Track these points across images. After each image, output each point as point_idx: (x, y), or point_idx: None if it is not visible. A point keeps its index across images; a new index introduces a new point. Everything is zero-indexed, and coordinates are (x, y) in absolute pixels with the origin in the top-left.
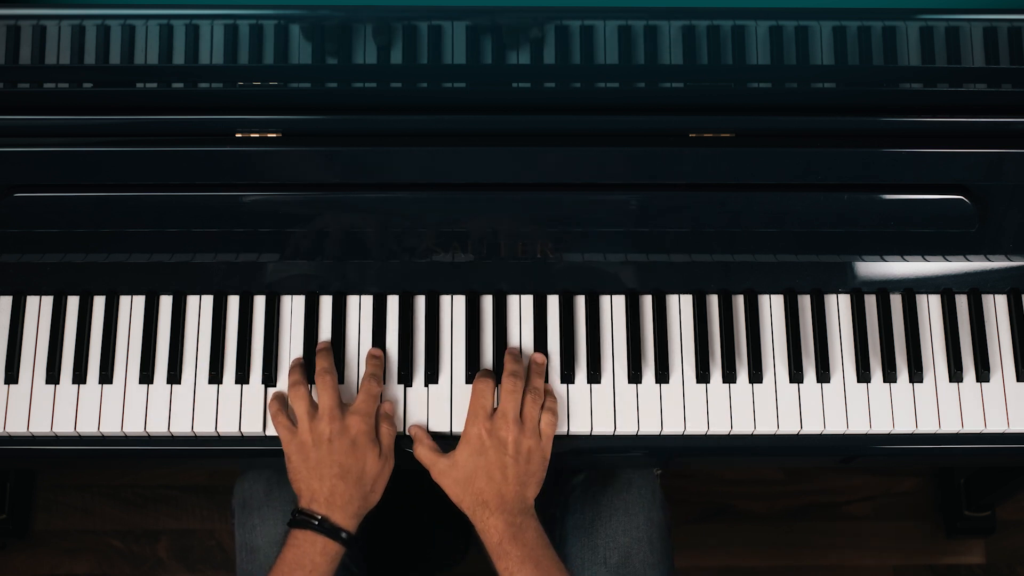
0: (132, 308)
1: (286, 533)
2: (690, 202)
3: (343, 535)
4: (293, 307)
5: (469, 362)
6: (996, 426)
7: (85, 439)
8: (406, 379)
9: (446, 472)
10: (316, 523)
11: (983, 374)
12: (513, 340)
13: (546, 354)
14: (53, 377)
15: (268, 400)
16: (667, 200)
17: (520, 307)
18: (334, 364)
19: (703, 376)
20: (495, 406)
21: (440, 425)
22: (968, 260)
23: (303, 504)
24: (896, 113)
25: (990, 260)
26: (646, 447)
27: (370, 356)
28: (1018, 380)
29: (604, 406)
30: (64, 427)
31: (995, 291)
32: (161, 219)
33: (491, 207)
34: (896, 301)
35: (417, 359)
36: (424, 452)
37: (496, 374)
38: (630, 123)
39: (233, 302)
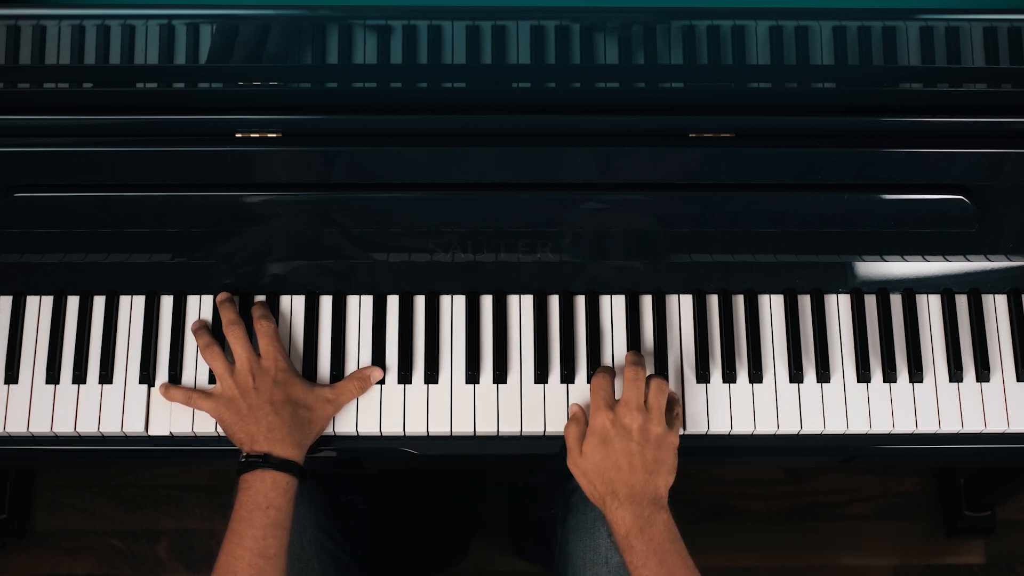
0: (132, 308)
1: (236, 484)
2: (690, 202)
3: (291, 466)
4: (293, 307)
5: (469, 362)
6: (996, 426)
7: (85, 439)
8: (406, 379)
9: (575, 462)
10: (261, 460)
11: (983, 374)
12: (513, 340)
13: (547, 353)
14: (53, 377)
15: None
16: (667, 200)
17: (520, 307)
18: (239, 314)
19: (703, 376)
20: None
21: (440, 425)
22: (968, 260)
23: (246, 450)
24: (896, 113)
25: (990, 260)
26: None
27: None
28: (1018, 380)
29: None
30: (64, 427)
31: (995, 291)
32: (161, 219)
33: (490, 207)
34: (896, 301)
35: (417, 359)
36: (571, 432)
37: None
38: (630, 123)
39: None
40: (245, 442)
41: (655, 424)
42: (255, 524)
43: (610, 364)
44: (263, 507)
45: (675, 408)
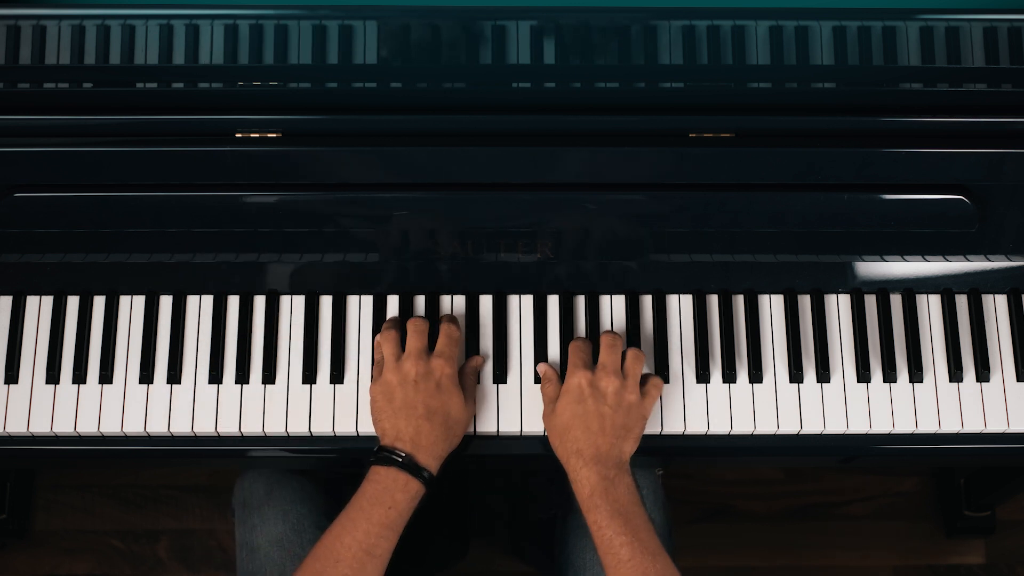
0: (132, 308)
1: (364, 471)
2: (690, 202)
3: (425, 475)
4: (293, 307)
5: None
6: (996, 426)
7: (85, 439)
8: None
9: (547, 416)
10: (400, 460)
11: (983, 374)
12: (513, 340)
13: (546, 355)
14: (53, 377)
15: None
16: (667, 200)
17: (520, 307)
18: (426, 319)
19: (703, 376)
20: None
21: None
22: (968, 260)
23: (386, 442)
24: (896, 113)
25: (990, 260)
26: (647, 447)
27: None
28: (1018, 380)
29: None
30: (64, 427)
31: (995, 291)
32: (161, 219)
33: (490, 207)
34: (896, 301)
35: None
36: (546, 391)
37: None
38: (630, 123)
39: (233, 302)
40: (388, 433)
41: (630, 392)
42: (372, 519)
43: None
44: (385, 505)
45: (655, 380)
